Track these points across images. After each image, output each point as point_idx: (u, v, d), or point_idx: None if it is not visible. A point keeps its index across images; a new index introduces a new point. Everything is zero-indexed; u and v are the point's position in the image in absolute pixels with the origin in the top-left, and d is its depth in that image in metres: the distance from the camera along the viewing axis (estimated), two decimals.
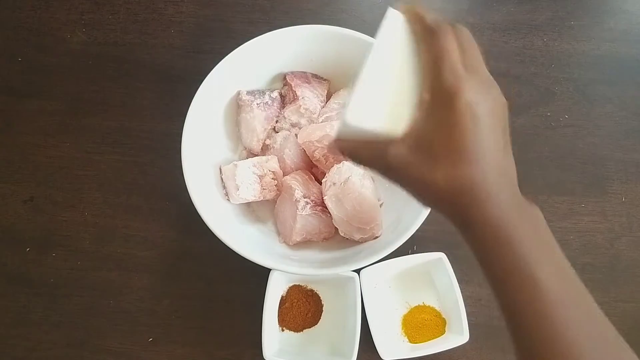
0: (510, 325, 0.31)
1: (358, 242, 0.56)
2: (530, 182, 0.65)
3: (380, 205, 0.58)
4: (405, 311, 0.60)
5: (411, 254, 0.59)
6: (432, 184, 0.31)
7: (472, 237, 0.32)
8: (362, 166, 0.35)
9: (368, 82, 0.33)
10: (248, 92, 0.59)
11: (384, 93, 0.33)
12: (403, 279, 0.61)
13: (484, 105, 0.31)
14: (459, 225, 0.33)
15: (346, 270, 0.53)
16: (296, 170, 0.59)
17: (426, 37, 0.33)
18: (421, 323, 0.59)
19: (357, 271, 0.57)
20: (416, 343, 0.58)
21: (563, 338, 0.29)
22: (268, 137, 0.61)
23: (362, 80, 0.33)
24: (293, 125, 0.61)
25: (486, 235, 0.31)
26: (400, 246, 0.51)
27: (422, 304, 0.60)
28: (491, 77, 0.33)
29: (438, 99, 0.31)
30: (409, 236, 0.51)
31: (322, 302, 0.60)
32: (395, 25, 0.33)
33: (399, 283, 0.61)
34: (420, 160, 0.32)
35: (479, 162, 0.30)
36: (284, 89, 0.62)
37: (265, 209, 0.61)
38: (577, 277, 0.31)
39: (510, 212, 0.31)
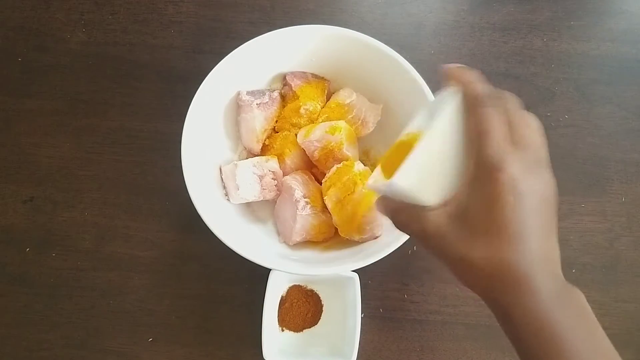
0: None
1: (358, 242, 0.56)
2: None
3: None
4: None
5: (411, 254, 0.59)
6: (468, 260, 0.30)
7: (512, 328, 0.30)
8: (401, 229, 0.35)
9: (421, 150, 0.32)
10: (248, 92, 0.59)
11: (431, 160, 0.32)
12: None
13: (529, 184, 0.29)
14: (496, 314, 0.31)
15: (346, 270, 0.53)
16: (296, 170, 0.59)
17: (472, 109, 0.31)
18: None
19: (357, 271, 0.57)
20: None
21: None
22: (268, 137, 0.61)
23: (417, 147, 0.33)
24: (293, 125, 0.61)
25: (527, 329, 0.29)
26: (400, 246, 0.51)
27: None
28: (542, 154, 0.31)
29: (482, 173, 0.30)
30: (409, 236, 0.51)
31: (322, 302, 0.60)
32: (455, 94, 0.33)
33: None
34: (457, 232, 0.30)
35: (520, 244, 0.28)
36: (284, 89, 0.62)
37: (265, 209, 0.61)
38: None
39: (553, 304, 0.28)
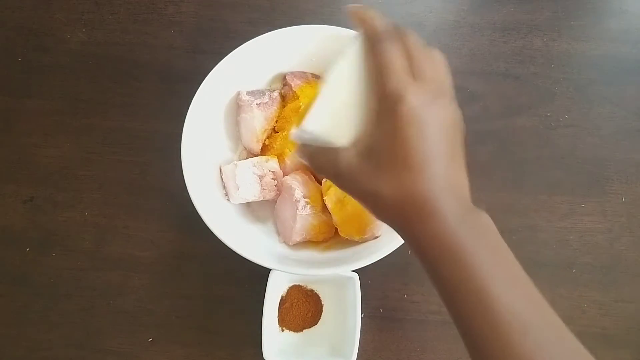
0: (465, 339, 0.30)
1: (358, 242, 0.56)
2: (530, 182, 0.65)
3: None
4: None
5: (411, 254, 0.59)
6: (378, 194, 0.31)
7: (423, 256, 0.31)
8: (319, 172, 0.36)
9: (327, 92, 0.33)
10: (248, 92, 0.59)
11: (338, 102, 0.33)
12: None
13: (430, 113, 0.29)
14: (407, 240, 0.32)
15: (346, 270, 0.53)
16: (296, 170, 0.59)
17: (372, 46, 0.32)
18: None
19: (357, 271, 0.57)
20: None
21: (518, 349, 0.28)
22: (268, 137, 0.61)
23: (322, 90, 0.34)
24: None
25: (435, 253, 0.30)
26: (400, 246, 0.51)
27: None
28: (445, 85, 0.32)
29: (384, 107, 0.30)
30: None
31: (322, 302, 0.60)
32: (358, 36, 0.34)
33: None
34: (367, 168, 0.31)
35: (423, 172, 0.29)
36: (284, 89, 0.62)
37: (265, 209, 0.61)
38: (531, 283, 0.30)
39: (458, 227, 0.29)
